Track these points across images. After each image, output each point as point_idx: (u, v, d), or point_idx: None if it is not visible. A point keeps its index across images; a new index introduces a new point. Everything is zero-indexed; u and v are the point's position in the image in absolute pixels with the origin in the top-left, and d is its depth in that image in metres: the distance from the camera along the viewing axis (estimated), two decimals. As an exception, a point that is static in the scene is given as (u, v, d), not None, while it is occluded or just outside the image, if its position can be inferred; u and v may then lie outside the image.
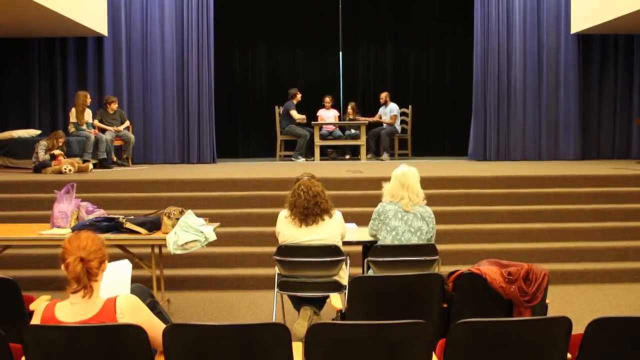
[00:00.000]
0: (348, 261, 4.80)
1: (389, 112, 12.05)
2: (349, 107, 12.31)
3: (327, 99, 12.35)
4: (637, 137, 11.67)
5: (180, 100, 11.34)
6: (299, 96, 11.94)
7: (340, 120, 12.39)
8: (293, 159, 11.66)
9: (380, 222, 4.66)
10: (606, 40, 11.56)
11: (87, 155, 9.89)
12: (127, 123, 10.85)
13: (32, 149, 9.40)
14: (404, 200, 4.64)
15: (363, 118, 12.12)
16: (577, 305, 5.76)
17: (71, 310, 2.82)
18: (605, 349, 2.90)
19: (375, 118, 12.18)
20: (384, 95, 12.19)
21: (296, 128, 11.76)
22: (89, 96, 10.33)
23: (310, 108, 12.23)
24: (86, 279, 2.81)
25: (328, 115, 12.28)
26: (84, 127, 10.22)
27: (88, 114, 10.41)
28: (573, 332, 2.88)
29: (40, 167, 9.11)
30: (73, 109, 10.31)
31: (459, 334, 2.85)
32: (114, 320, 2.79)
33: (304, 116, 11.87)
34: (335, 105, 12.66)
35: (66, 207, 5.19)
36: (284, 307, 5.16)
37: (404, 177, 4.70)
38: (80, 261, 2.80)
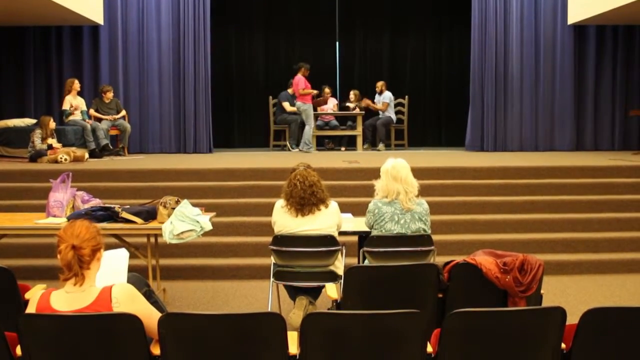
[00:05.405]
0: (344, 251, 4.80)
1: (382, 99, 12.08)
2: (352, 94, 12.28)
3: (327, 90, 12.32)
4: (633, 128, 11.70)
5: (177, 90, 11.30)
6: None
7: (338, 109, 12.39)
8: (290, 148, 11.58)
9: (375, 222, 4.62)
10: (602, 31, 11.55)
11: (90, 145, 9.88)
12: (123, 112, 10.82)
13: (28, 138, 9.38)
14: (401, 195, 4.53)
15: (365, 101, 12.06)
16: (572, 296, 5.79)
17: (66, 299, 2.82)
18: (599, 339, 2.91)
19: (369, 102, 12.10)
20: (380, 84, 12.23)
21: (286, 117, 11.72)
22: (76, 82, 10.30)
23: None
24: (77, 267, 2.80)
25: (327, 106, 12.25)
26: (78, 114, 10.18)
27: (81, 103, 10.37)
28: (567, 322, 2.90)
29: (36, 156, 9.10)
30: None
31: (454, 324, 2.86)
32: (109, 309, 2.79)
33: (294, 108, 11.82)
34: (332, 95, 12.63)
35: (62, 196, 5.19)
36: (279, 297, 5.17)
37: (395, 170, 4.58)
38: (72, 248, 2.80)
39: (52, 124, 9.50)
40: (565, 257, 6.65)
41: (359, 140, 11.67)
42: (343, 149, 12.16)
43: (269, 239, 4.71)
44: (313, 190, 4.58)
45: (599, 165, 8.45)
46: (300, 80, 11.12)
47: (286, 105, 11.69)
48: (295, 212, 4.60)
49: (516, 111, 11.46)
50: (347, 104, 12.14)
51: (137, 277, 3.76)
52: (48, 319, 2.77)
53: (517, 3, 11.41)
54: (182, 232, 4.81)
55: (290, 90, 11.73)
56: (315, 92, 11.56)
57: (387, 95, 12.08)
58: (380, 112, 12.10)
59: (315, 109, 11.52)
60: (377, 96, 12.24)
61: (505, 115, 11.45)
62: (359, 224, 5.08)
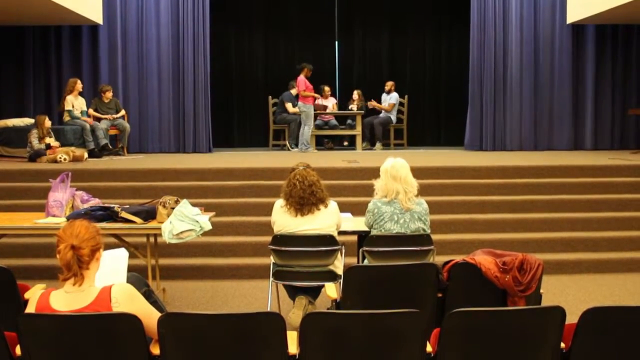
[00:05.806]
0: (343, 251, 4.80)
1: (389, 99, 12.10)
2: (355, 93, 12.29)
3: (326, 89, 12.32)
4: (632, 127, 11.70)
5: (176, 89, 11.29)
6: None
7: (338, 109, 12.40)
8: (289, 148, 11.57)
9: (374, 222, 4.62)
10: (601, 30, 11.55)
11: (89, 144, 9.87)
12: (123, 112, 10.81)
13: (27, 137, 9.38)
14: (400, 195, 4.54)
15: (372, 103, 12.10)
16: (571, 295, 5.79)
17: (66, 299, 2.82)
18: (598, 338, 2.92)
19: (375, 103, 12.17)
20: (389, 83, 12.27)
21: (286, 116, 11.72)
22: (78, 82, 10.31)
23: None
24: (76, 267, 2.80)
25: (326, 105, 12.25)
26: (78, 114, 10.16)
27: (82, 103, 10.36)
28: (567, 322, 2.90)
29: (35, 156, 9.09)
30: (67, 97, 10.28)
31: (453, 323, 2.86)
32: (109, 309, 2.79)
33: (297, 109, 11.80)
34: (332, 94, 12.63)
35: (61, 196, 5.19)
36: (279, 297, 5.16)
37: (394, 169, 4.59)
38: (71, 248, 2.79)
39: (48, 123, 9.49)
40: (565, 257, 6.65)
41: (359, 140, 11.67)
42: (346, 143, 12.23)
43: (269, 238, 4.71)
44: (312, 190, 4.58)
45: (598, 165, 8.45)
46: (301, 82, 11.11)
47: (289, 106, 11.66)
48: (294, 212, 4.60)
49: (515, 110, 11.45)
50: (351, 107, 12.13)
51: (137, 277, 3.77)
52: (47, 318, 2.77)
53: (516, 2, 11.40)
54: (181, 232, 4.81)
55: (293, 91, 11.70)
56: (317, 96, 11.58)
57: (394, 97, 12.10)
58: (382, 111, 12.11)
59: (315, 109, 11.51)
60: (384, 95, 12.26)
61: (504, 114, 11.44)
62: (358, 223, 5.08)
